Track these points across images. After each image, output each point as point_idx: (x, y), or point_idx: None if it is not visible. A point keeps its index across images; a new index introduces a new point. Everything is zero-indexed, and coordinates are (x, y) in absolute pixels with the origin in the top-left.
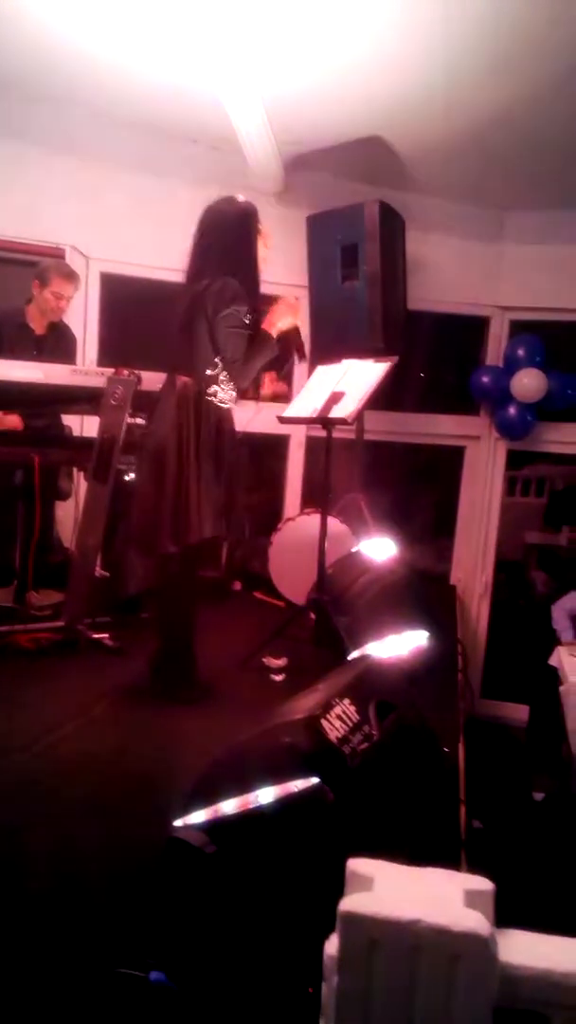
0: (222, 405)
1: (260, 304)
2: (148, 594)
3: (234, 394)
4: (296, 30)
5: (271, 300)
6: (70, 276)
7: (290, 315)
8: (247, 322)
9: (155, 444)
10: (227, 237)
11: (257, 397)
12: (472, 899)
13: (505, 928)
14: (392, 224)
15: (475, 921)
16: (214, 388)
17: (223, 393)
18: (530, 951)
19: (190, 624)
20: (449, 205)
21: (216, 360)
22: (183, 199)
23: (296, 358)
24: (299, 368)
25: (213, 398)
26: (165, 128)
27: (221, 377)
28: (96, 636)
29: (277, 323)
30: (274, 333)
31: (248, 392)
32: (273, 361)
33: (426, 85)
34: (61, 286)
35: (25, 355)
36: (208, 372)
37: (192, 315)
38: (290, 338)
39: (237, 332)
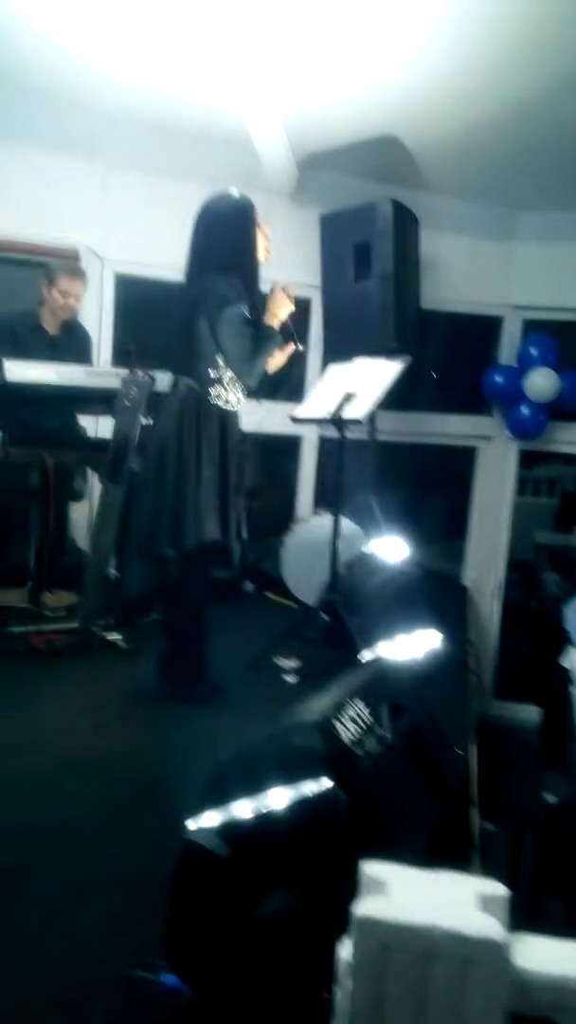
0: (226, 407)
1: (260, 299)
2: (155, 595)
3: (240, 396)
4: (309, 29)
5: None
6: (76, 273)
7: (287, 302)
8: (248, 319)
9: (156, 446)
10: (225, 234)
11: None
12: (486, 904)
13: (520, 933)
14: (405, 223)
15: (490, 926)
16: (218, 390)
17: (227, 395)
18: (545, 957)
19: (198, 625)
20: (462, 204)
21: (219, 361)
22: (197, 200)
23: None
24: (312, 368)
25: (217, 400)
26: (178, 128)
27: (225, 378)
28: (110, 637)
29: (278, 314)
30: (276, 324)
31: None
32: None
33: (438, 83)
34: (68, 284)
35: (39, 356)
36: (211, 373)
37: (192, 316)
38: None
39: (242, 333)
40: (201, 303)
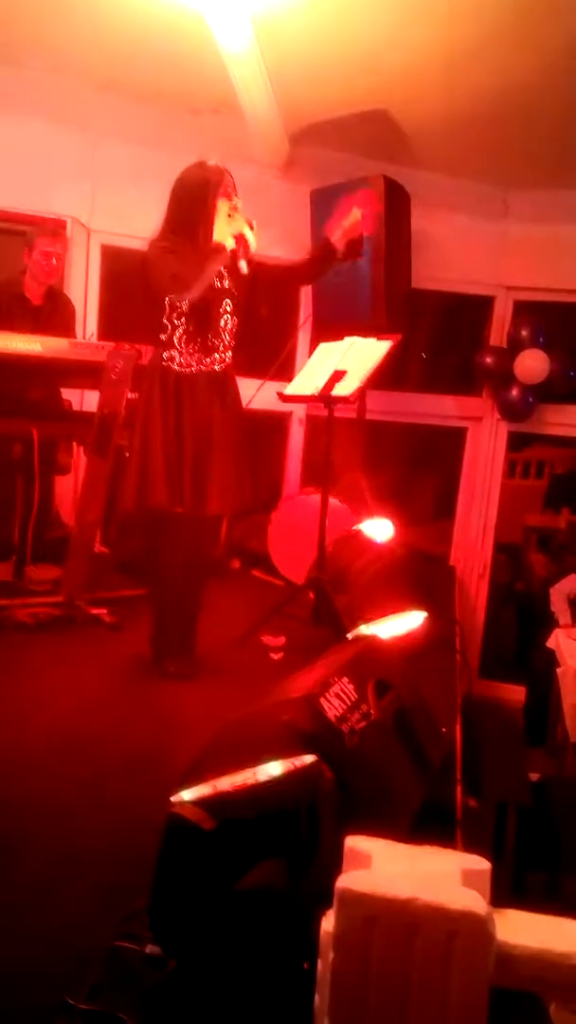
0: (180, 370)
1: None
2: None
3: (202, 356)
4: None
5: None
6: (55, 233)
7: (242, 227)
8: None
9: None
10: (185, 201)
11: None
12: (469, 878)
13: (502, 908)
14: (397, 200)
15: (472, 900)
16: (171, 352)
17: (181, 358)
18: (526, 930)
19: (186, 600)
20: (454, 182)
21: (165, 322)
22: None
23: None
24: (301, 345)
25: (171, 363)
26: (167, 98)
27: (179, 339)
28: (94, 611)
29: (229, 234)
30: (226, 244)
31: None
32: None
33: (430, 59)
34: (47, 243)
35: (23, 326)
36: (162, 337)
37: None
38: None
39: (165, 256)
40: (144, 264)
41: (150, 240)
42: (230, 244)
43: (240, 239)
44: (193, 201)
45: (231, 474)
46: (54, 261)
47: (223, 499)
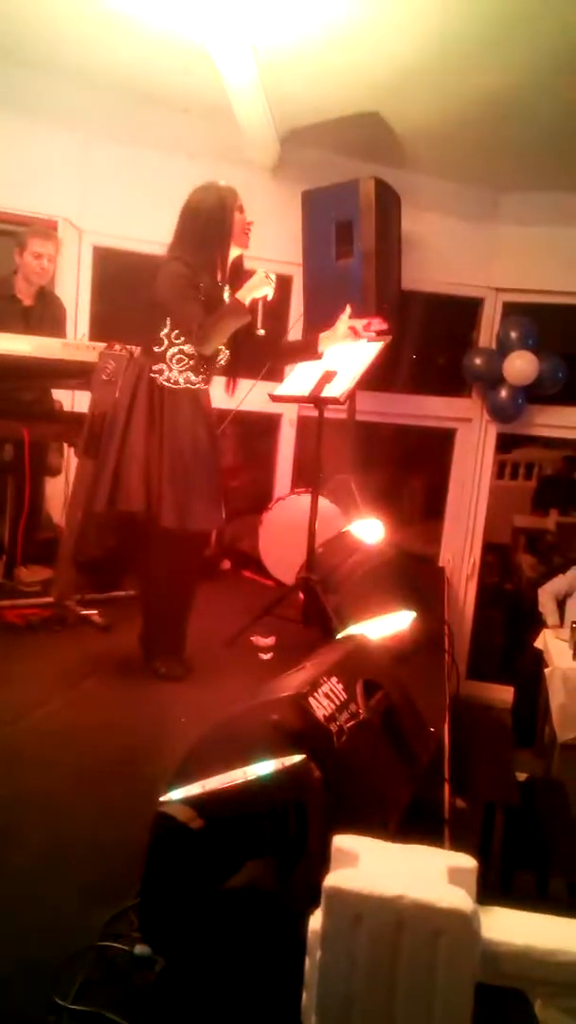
0: (168, 385)
1: (230, 282)
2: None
3: (190, 375)
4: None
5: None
6: (46, 234)
7: (265, 287)
8: (198, 287)
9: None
10: (201, 223)
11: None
12: (455, 876)
13: (488, 906)
14: (387, 201)
15: (458, 898)
16: (160, 366)
17: (170, 373)
18: (512, 928)
19: (176, 602)
20: (444, 184)
21: (163, 337)
22: (177, 172)
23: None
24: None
25: (158, 376)
26: (159, 98)
27: (172, 355)
28: (85, 612)
29: (252, 293)
30: (247, 302)
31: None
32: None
33: (422, 61)
34: (39, 246)
35: (13, 327)
36: (155, 349)
37: (152, 291)
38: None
39: (191, 299)
40: (158, 279)
41: (168, 258)
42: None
43: (255, 307)
44: (210, 223)
45: (213, 491)
46: (45, 262)
47: (207, 516)
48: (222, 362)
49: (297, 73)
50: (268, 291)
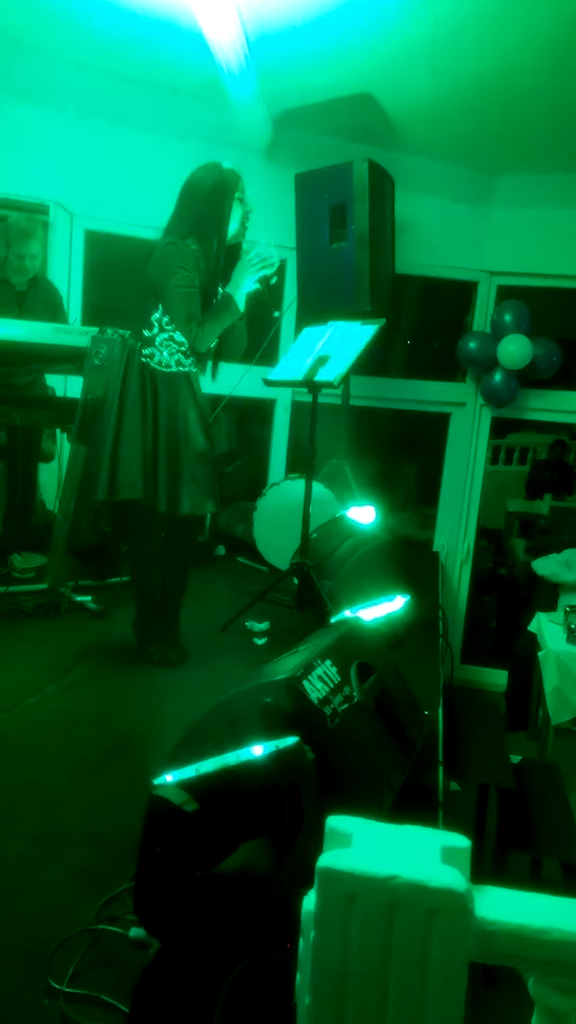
0: (160, 369)
1: (223, 268)
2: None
3: (181, 358)
4: None
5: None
6: (25, 234)
7: (259, 272)
8: (196, 282)
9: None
10: (197, 202)
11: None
12: (449, 855)
13: (481, 884)
14: (381, 184)
15: (452, 877)
16: (151, 350)
17: (161, 356)
18: (507, 907)
19: (170, 588)
20: (438, 166)
21: (154, 321)
22: (170, 154)
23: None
24: (286, 330)
25: (149, 360)
26: (152, 81)
27: (162, 340)
28: (79, 599)
29: (241, 285)
30: (239, 295)
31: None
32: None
33: (415, 42)
34: (21, 247)
35: (7, 311)
36: (146, 333)
37: (145, 275)
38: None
39: (187, 292)
40: (153, 262)
41: (164, 242)
42: (242, 305)
43: (265, 283)
44: (209, 204)
45: (206, 475)
46: (27, 262)
47: (200, 501)
48: (213, 346)
49: (289, 53)
50: (268, 272)
